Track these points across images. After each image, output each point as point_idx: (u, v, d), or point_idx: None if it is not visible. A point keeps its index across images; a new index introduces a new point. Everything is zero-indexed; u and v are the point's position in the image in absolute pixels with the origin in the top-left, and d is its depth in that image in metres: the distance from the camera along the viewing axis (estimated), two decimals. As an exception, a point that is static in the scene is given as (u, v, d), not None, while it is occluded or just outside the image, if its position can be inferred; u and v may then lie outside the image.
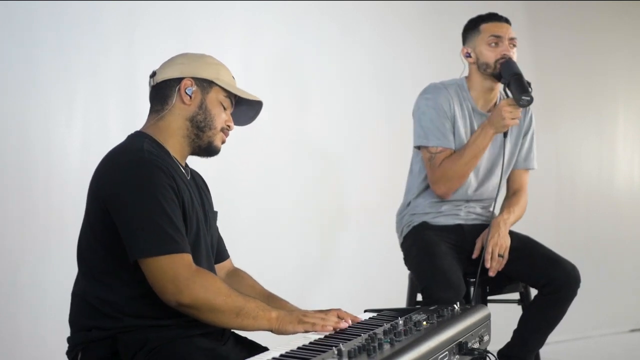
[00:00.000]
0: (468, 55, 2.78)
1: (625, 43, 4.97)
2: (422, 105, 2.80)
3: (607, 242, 4.84)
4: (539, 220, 4.43)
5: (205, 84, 1.90)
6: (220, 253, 2.07)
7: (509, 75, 2.62)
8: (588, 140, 4.89)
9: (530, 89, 2.57)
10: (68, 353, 1.82)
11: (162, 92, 1.91)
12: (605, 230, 4.86)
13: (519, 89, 2.57)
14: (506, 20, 2.76)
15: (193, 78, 1.89)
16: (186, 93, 1.88)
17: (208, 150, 1.92)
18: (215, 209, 2.07)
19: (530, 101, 2.56)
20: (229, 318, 1.70)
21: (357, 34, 3.97)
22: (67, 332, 1.85)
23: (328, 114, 3.88)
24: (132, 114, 3.19)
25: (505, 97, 2.77)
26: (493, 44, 2.71)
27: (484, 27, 2.74)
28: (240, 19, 3.57)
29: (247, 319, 1.71)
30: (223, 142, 1.94)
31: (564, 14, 4.68)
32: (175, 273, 1.68)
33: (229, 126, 1.94)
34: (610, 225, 4.89)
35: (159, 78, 1.92)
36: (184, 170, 1.91)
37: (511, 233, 2.79)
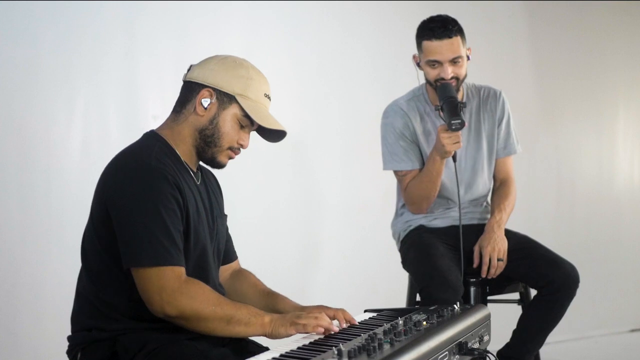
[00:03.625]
0: (418, 65, 2.76)
1: (625, 43, 4.97)
2: (382, 130, 2.84)
3: (607, 242, 4.83)
4: (539, 220, 4.43)
5: (225, 99, 1.85)
6: (227, 255, 2.07)
7: (441, 100, 2.59)
8: (588, 140, 4.88)
9: (461, 112, 2.54)
10: (68, 352, 1.83)
11: (186, 93, 1.89)
12: (605, 230, 4.86)
13: (449, 113, 2.54)
14: (449, 35, 2.62)
15: (214, 89, 1.84)
16: (201, 104, 1.84)
17: (211, 164, 1.91)
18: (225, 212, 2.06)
19: (462, 124, 2.52)
20: (220, 326, 1.70)
21: (357, 34, 3.97)
22: (67, 331, 1.85)
23: (328, 115, 3.87)
24: (132, 114, 3.19)
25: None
26: (432, 66, 2.67)
27: (424, 45, 2.66)
28: (240, 19, 3.57)
29: (239, 325, 1.71)
30: (231, 158, 1.91)
31: (564, 14, 4.68)
32: (163, 285, 1.67)
33: (241, 145, 1.89)
34: (610, 225, 4.89)
35: (189, 76, 1.89)
36: (193, 176, 1.89)
37: (510, 233, 2.80)
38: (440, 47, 2.63)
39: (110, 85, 3.17)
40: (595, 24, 4.84)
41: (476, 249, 2.71)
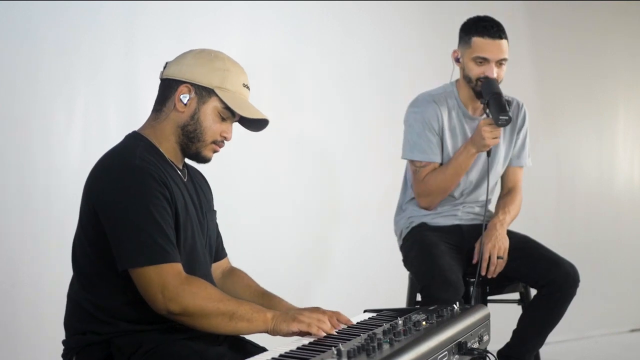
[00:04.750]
0: (457, 60, 2.78)
1: (625, 43, 4.97)
2: (409, 119, 2.83)
3: (607, 242, 4.83)
4: (539, 220, 4.43)
5: (204, 93, 1.84)
6: (217, 252, 2.05)
7: (487, 95, 2.61)
8: (588, 141, 4.89)
9: (508, 109, 2.58)
10: (63, 356, 1.82)
11: (164, 91, 1.88)
12: (605, 230, 4.86)
13: (497, 108, 2.57)
14: (500, 36, 2.67)
15: (192, 84, 1.84)
16: (181, 100, 1.83)
17: (197, 159, 1.90)
18: (214, 208, 2.06)
19: (509, 121, 2.56)
20: (223, 322, 1.69)
21: (357, 34, 3.97)
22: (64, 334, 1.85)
23: (328, 115, 3.87)
24: (132, 114, 3.19)
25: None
26: (479, 62, 2.68)
27: (474, 41, 2.68)
28: (240, 19, 3.57)
29: (242, 321, 1.70)
30: (215, 151, 1.90)
31: (564, 14, 4.68)
32: (164, 283, 1.67)
33: (225, 138, 1.88)
34: (611, 225, 4.89)
35: (165, 74, 1.89)
36: (180, 173, 1.89)
37: (510, 233, 2.80)
38: (492, 46, 2.67)
39: (110, 85, 3.17)
40: (595, 24, 4.84)
41: (477, 245, 2.71)
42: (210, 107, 1.85)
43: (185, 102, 1.84)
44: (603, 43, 4.88)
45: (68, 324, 1.82)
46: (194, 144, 1.86)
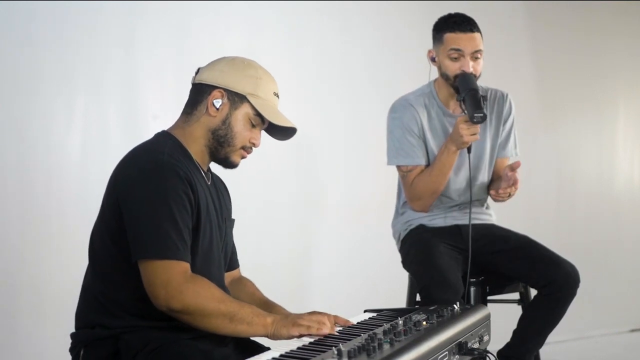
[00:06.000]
0: (433, 60, 2.77)
1: (625, 43, 4.97)
2: (389, 125, 2.82)
3: (607, 242, 4.83)
4: (539, 220, 4.43)
5: (237, 99, 1.88)
6: (231, 262, 2.08)
7: (464, 91, 2.60)
8: (588, 140, 4.89)
9: (484, 105, 2.57)
10: (71, 349, 1.84)
11: (196, 95, 1.91)
12: (605, 231, 4.86)
13: (472, 105, 2.55)
14: (471, 29, 2.67)
15: (226, 90, 1.88)
16: (213, 105, 1.87)
17: (224, 164, 1.94)
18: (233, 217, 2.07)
19: (484, 118, 2.55)
20: (223, 323, 1.70)
21: (357, 34, 3.97)
22: (67, 330, 1.86)
23: (328, 114, 3.87)
24: (132, 114, 3.19)
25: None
26: (454, 57, 2.68)
27: (446, 37, 2.68)
28: (240, 19, 3.57)
29: (242, 324, 1.71)
30: (243, 157, 1.94)
31: (564, 14, 4.68)
32: (168, 279, 1.68)
33: (253, 144, 1.92)
34: (611, 225, 4.89)
35: (198, 79, 1.92)
36: (204, 176, 1.92)
37: (510, 232, 2.81)
38: (464, 39, 2.66)
39: (110, 85, 3.17)
40: (595, 25, 4.84)
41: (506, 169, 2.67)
42: (242, 113, 1.89)
43: (217, 106, 1.87)
44: (603, 43, 4.88)
45: (79, 314, 1.84)
46: (223, 148, 1.90)
